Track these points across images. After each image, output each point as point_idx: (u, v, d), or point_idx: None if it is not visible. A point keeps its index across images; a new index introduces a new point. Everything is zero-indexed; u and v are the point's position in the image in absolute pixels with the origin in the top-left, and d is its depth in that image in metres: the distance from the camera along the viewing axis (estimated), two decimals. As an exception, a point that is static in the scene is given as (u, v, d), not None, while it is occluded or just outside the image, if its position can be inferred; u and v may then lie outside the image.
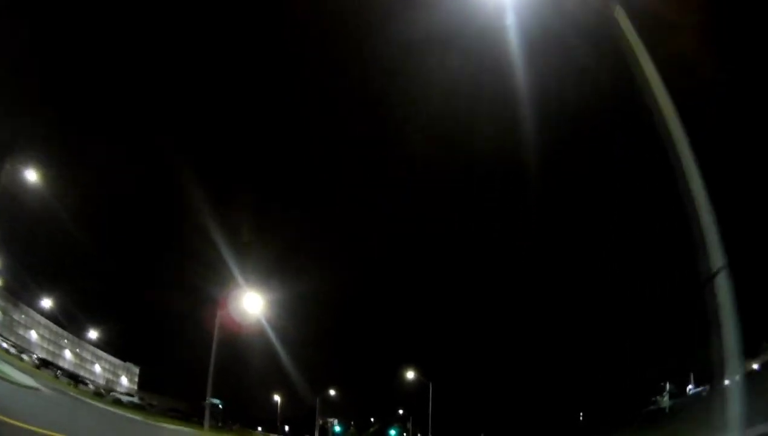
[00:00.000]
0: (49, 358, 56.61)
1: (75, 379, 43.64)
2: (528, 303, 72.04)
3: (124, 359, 73.46)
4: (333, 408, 69.98)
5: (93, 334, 67.86)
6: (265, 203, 76.82)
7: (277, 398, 64.00)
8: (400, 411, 64.61)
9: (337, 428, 64.56)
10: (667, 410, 35.38)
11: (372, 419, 76.08)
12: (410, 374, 35.55)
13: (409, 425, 59.37)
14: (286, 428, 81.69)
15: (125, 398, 42.20)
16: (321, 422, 57.72)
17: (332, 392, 56.50)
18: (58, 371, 42.84)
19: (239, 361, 69.26)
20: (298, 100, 74.07)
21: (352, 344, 73.39)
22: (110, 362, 69.22)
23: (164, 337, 70.33)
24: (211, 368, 26.17)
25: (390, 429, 65.74)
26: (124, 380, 69.93)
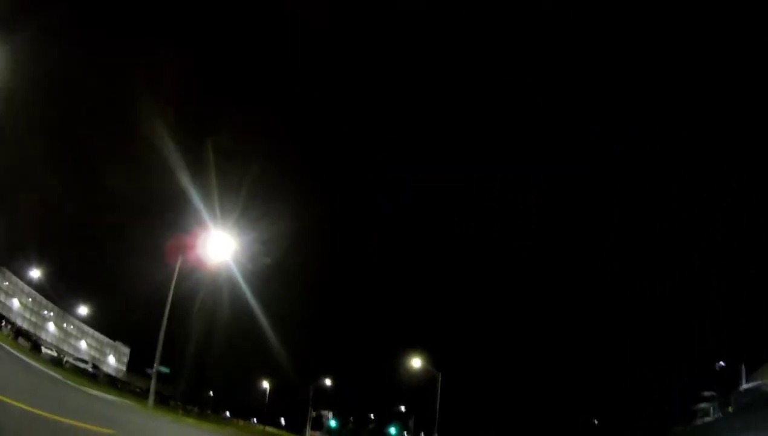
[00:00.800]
0: (31, 329, 53.03)
1: (26, 337, 39.55)
2: (542, 300, 68.42)
3: (114, 338, 70.30)
4: (329, 400, 65.77)
5: (83, 310, 64.33)
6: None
7: (266, 384, 59.55)
8: (402, 408, 60.02)
9: (333, 423, 60.19)
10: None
11: (371, 416, 71.71)
12: (416, 363, 31.07)
13: (411, 423, 54.53)
14: (282, 421, 77.71)
15: (80, 364, 38.36)
16: (314, 414, 52.79)
17: (327, 382, 51.73)
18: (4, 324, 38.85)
19: (230, 348, 65.66)
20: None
21: (351, 328, 69.14)
22: (98, 340, 65.61)
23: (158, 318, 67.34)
24: (165, 322, 21.55)
25: (390, 427, 61.28)
26: (111, 359, 66.31)
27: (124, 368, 69.02)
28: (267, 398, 60.13)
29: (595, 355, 57.52)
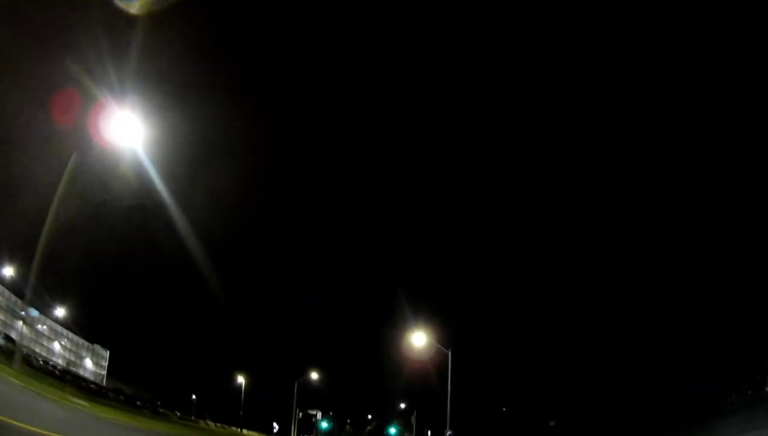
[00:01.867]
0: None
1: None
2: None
3: (92, 341, 65.77)
4: (324, 401, 61.47)
5: (61, 312, 59.96)
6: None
7: (241, 379, 54.76)
8: (402, 405, 55.95)
9: (325, 424, 55.83)
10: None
11: (369, 416, 67.45)
12: (420, 339, 27.27)
13: (414, 420, 50.32)
14: (276, 427, 72.84)
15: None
16: (300, 414, 48.16)
17: (315, 376, 47.25)
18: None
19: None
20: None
21: (348, 326, 65.30)
22: (74, 342, 61.07)
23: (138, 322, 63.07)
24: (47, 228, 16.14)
25: (389, 427, 57.19)
26: (88, 363, 61.76)
27: (103, 372, 64.48)
28: (243, 396, 55.58)
29: (594, 355, 55.31)
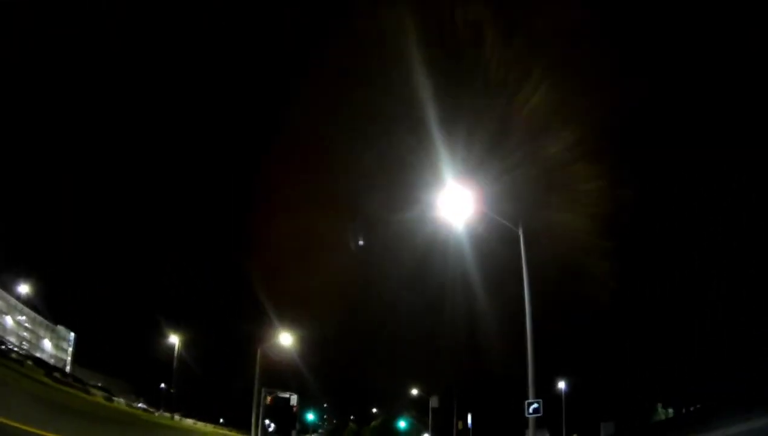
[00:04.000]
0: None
1: None
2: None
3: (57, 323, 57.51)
4: (326, 394, 52.30)
5: (24, 289, 51.83)
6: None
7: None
8: (414, 391, 46.56)
9: (311, 417, 46.82)
10: None
11: (374, 410, 58.18)
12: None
13: (435, 402, 40.34)
14: (271, 426, 63.60)
15: None
16: (269, 399, 36.66)
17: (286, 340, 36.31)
18: None
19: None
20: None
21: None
22: (33, 319, 52.67)
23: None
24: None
25: (398, 420, 48.04)
26: (46, 344, 53.18)
27: (66, 357, 55.90)
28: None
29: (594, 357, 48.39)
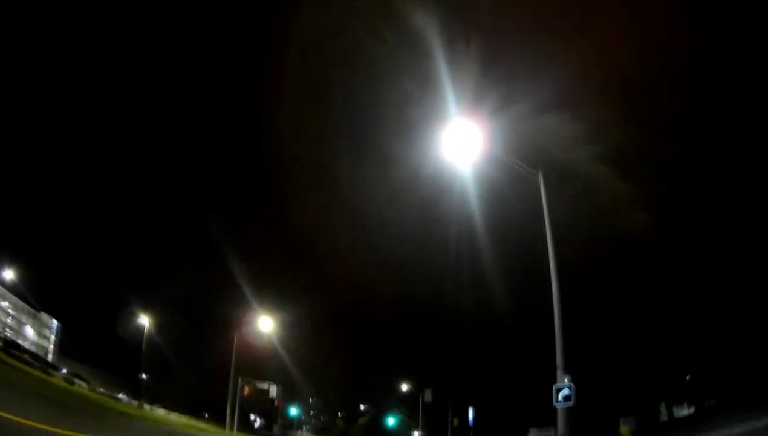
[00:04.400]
0: None
1: None
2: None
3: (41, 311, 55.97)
4: (300, 389, 51.05)
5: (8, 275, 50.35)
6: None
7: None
8: (404, 387, 45.55)
9: (294, 411, 45.59)
10: None
11: (362, 407, 57.02)
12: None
13: (429, 396, 39.05)
14: (257, 421, 62.24)
15: None
16: (247, 389, 34.51)
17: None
18: None
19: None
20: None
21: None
22: (15, 305, 51.24)
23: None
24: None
25: (386, 418, 47.03)
26: (28, 331, 51.73)
27: (48, 345, 54.42)
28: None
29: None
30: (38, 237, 52.27)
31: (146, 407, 41.51)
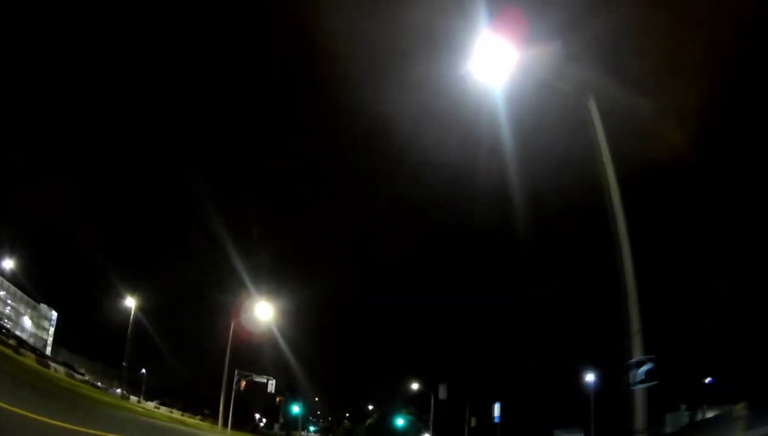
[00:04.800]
0: None
1: None
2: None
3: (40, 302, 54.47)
4: (304, 387, 48.71)
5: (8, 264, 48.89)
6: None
7: None
8: (414, 386, 43.01)
9: (297, 409, 43.07)
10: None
11: (370, 407, 54.66)
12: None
13: (443, 392, 35.96)
14: (263, 421, 60.09)
15: None
16: (243, 383, 32.17)
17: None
18: None
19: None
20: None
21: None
22: (14, 295, 49.68)
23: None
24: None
25: (396, 418, 44.55)
26: (26, 322, 50.11)
27: (46, 337, 52.83)
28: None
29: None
30: (38, 228, 51.19)
31: (133, 399, 39.43)
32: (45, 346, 51.66)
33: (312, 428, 62.55)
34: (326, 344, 44.76)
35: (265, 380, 34.28)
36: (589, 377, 28.42)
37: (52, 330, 54.03)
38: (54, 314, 54.03)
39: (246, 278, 30.39)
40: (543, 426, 31.83)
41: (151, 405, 41.76)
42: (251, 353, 36.29)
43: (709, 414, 30.87)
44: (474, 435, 34.96)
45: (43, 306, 53.26)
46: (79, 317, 54.18)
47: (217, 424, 33.95)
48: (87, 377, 43.31)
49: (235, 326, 26.70)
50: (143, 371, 50.02)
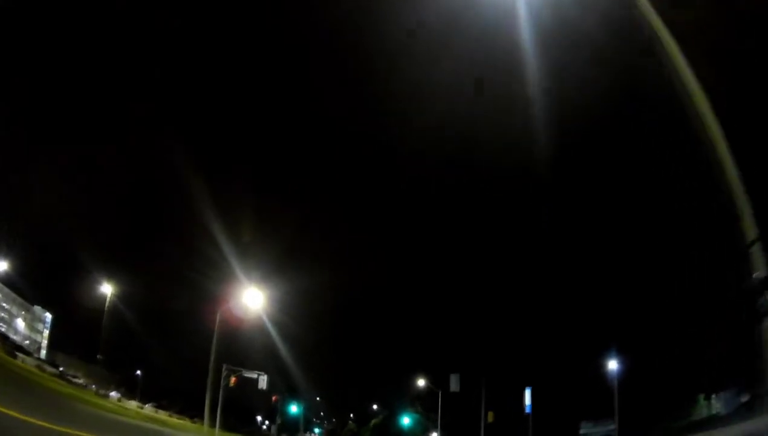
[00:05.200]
0: None
1: None
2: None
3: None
4: (303, 386, 46.84)
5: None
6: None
7: None
8: (421, 382, 41.12)
9: (295, 408, 41.16)
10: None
11: (375, 406, 52.66)
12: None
13: (455, 386, 33.57)
14: (263, 421, 58.27)
15: None
16: (233, 379, 30.21)
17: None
18: None
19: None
20: (296, 96, 61.73)
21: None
22: (7, 296, 48.20)
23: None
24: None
25: (401, 417, 42.68)
26: (19, 324, 48.54)
27: (40, 340, 51.27)
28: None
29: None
30: (32, 227, 49.67)
31: (113, 395, 37.64)
32: (39, 349, 50.21)
33: (317, 430, 61.06)
34: (327, 341, 42.96)
35: (255, 376, 32.25)
36: (613, 365, 26.03)
37: (46, 333, 52.45)
38: (48, 316, 52.49)
39: (238, 264, 28.63)
40: (570, 417, 29.51)
41: (133, 405, 39.98)
42: (243, 348, 34.55)
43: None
44: (495, 432, 31.82)
45: (37, 308, 51.77)
46: (75, 320, 52.80)
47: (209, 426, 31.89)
48: (81, 380, 41.80)
49: (223, 313, 24.98)
50: (138, 372, 48.34)
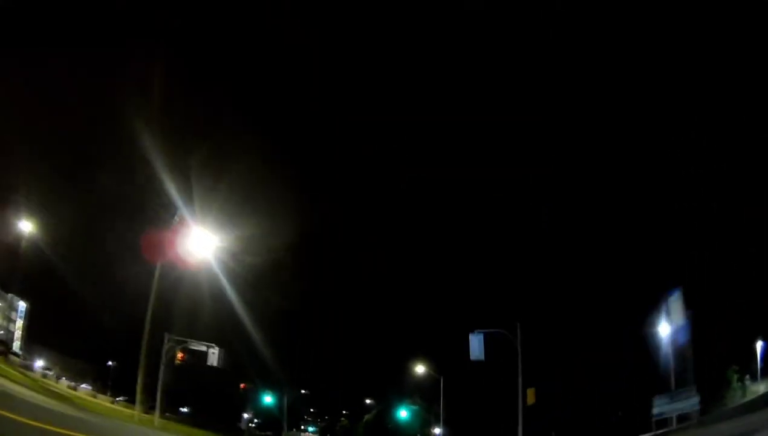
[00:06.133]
0: None
1: None
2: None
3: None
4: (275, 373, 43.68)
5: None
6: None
7: None
8: (420, 369, 38.07)
9: (269, 399, 37.62)
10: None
11: (367, 401, 49.77)
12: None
13: (482, 348, 29.62)
14: (246, 416, 55.21)
15: None
16: (180, 355, 25.94)
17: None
18: None
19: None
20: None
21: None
22: (-23, 284, 45.31)
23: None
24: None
25: (399, 410, 39.94)
26: (-11, 311, 45.59)
27: (14, 330, 48.29)
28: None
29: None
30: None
31: (64, 382, 34.20)
32: (13, 339, 47.31)
33: (311, 429, 58.25)
34: (312, 326, 39.92)
35: (204, 348, 27.37)
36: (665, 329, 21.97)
37: (20, 322, 49.40)
38: (22, 305, 49.48)
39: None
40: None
41: (84, 394, 36.21)
42: (201, 323, 30.90)
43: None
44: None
45: (11, 296, 48.81)
46: (51, 310, 49.83)
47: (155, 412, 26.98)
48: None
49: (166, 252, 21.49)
50: (109, 363, 45.06)
